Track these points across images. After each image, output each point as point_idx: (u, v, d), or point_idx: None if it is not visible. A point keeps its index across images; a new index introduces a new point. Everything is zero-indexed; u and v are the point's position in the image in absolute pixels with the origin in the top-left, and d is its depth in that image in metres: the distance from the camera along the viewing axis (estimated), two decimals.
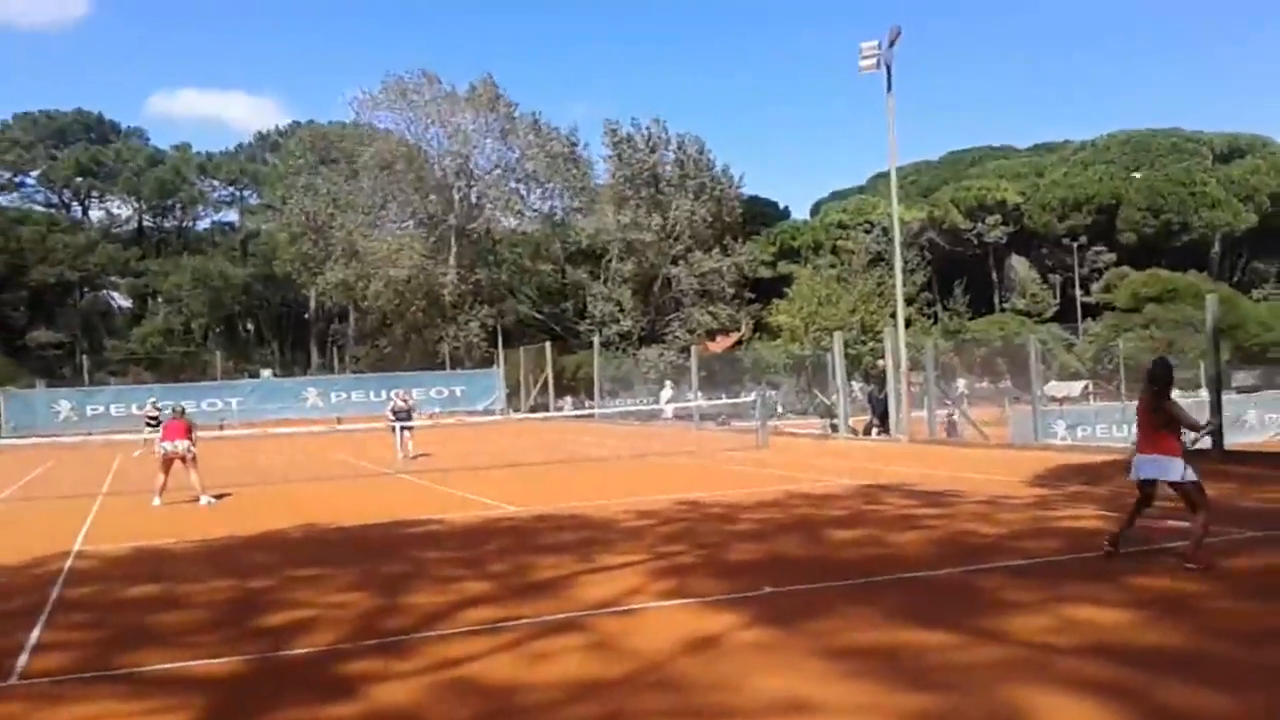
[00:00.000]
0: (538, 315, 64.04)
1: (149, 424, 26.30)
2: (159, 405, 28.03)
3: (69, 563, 9.91)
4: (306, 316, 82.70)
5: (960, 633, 5.92)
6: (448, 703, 5.00)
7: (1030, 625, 6.06)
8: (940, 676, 5.10)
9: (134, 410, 39.09)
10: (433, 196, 59.43)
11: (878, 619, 6.38)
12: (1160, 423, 7.94)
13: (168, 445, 15.30)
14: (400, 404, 23.47)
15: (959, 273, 76.32)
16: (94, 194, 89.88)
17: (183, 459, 15.24)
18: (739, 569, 8.32)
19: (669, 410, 34.97)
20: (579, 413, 39.36)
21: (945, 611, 6.49)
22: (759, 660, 5.54)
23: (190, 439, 15.41)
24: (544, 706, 4.88)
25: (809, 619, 6.40)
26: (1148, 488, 8.10)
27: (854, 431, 26.58)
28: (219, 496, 15.43)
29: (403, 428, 22.89)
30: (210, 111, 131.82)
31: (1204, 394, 23.07)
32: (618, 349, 55.93)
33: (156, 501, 14.77)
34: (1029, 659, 5.38)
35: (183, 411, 16.55)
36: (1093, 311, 70.66)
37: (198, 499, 14.97)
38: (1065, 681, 4.94)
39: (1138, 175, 77.82)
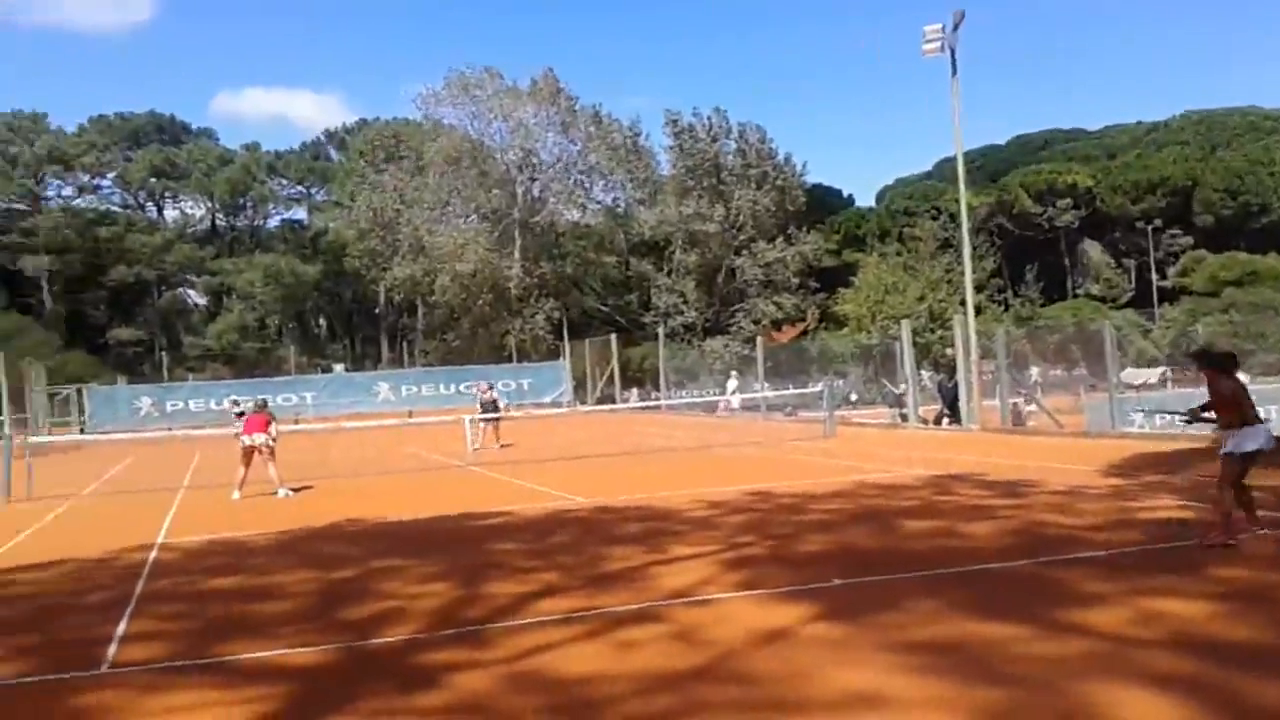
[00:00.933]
0: (602, 307, 64.24)
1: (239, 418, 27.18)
2: (236, 401, 28.74)
3: (153, 555, 10.22)
4: (376, 311, 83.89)
5: (1035, 626, 5.84)
6: (526, 693, 5.09)
7: (1108, 618, 5.95)
8: (1015, 670, 5.04)
9: (212, 405, 40.21)
10: (496, 191, 59.92)
11: (950, 612, 6.33)
12: None
13: (247, 439, 15.67)
14: (485, 397, 24.54)
15: (1029, 258, 75.03)
16: (168, 194, 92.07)
17: (260, 451, 15.61)
18: (809, 560, 8.31)
19: (735, 401, 34.91)
20: (645, 404, 39.46)
21: (1019, 604, 6.41)
22: (831, 653, 5.54)
23: (269, 433, 15.76)
24: (621, 697, 4.94)
25: (880, 611, 6.37)
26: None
27: (924, 421, 26.30)
28: (296, 489, 15.76)
29: (486, 419, 23.76)
30: (276, 109, 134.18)
31: None
32: (682, 340, 55.93)
33: (236, 495, 15.14)
34: (1107, 653, 5.29)
35: (264, 404, 16.89)
36: (1169, 296, 69.08)
37: (275, 491, 15.32)
38: (1145, 676, 4.85)
39: (1215, 156, 75.71)
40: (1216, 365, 8.44)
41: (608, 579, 7.89)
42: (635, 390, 46.92)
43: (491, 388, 26.22)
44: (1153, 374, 45.43)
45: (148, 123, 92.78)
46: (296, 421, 34.49)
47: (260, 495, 15.12)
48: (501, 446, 23.48)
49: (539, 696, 5.02)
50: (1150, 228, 71.58)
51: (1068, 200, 76.50)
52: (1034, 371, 40.35)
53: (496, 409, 24.60)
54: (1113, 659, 5.18)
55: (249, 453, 15.64)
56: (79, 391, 40.78)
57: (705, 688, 5.03)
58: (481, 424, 23.92)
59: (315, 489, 16.36)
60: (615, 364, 43.23)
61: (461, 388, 42.64)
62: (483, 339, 61.22)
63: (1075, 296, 75.62)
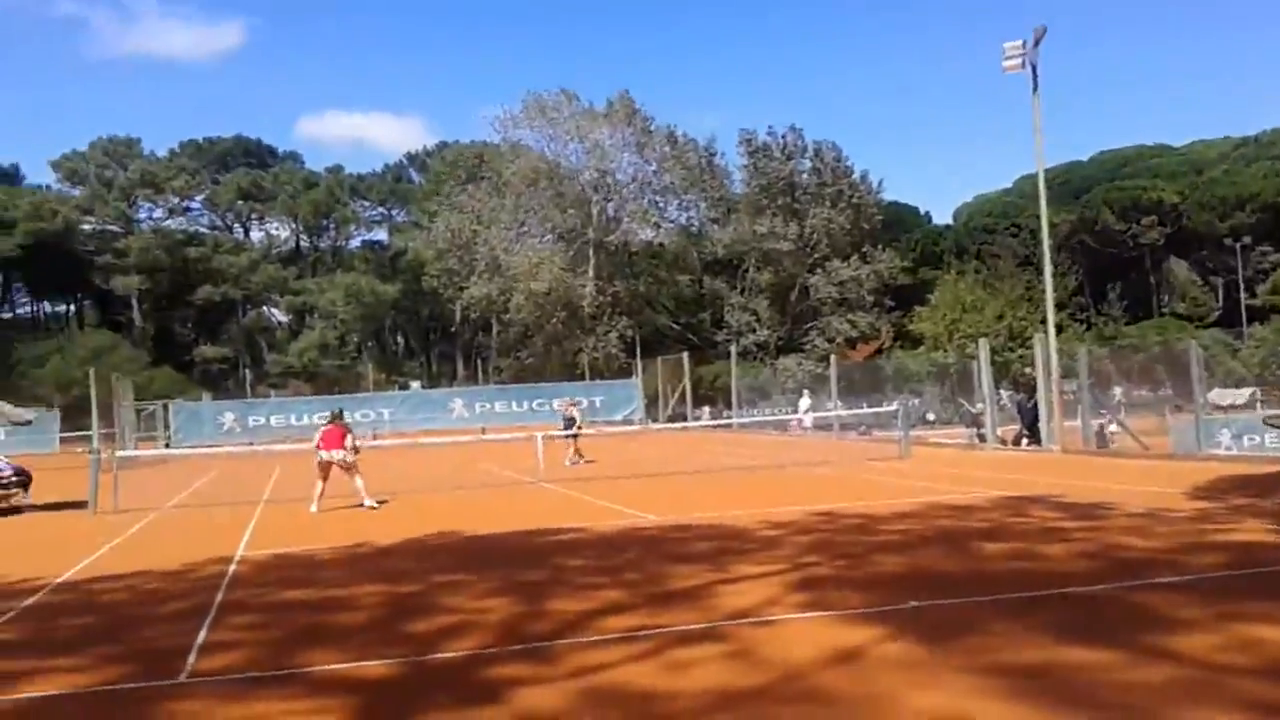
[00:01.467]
0: (675, 326, 64.29)
1: None
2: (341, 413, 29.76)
3: (232, 567, 10.41)
4: (452, 330, 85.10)
5: (1121, 650, 5.63)
6: (590, 710, 5.04)
7: (1199, 644, 5.72)
8: (1103, 696, 4.86)
9: (292, 421, 41.05)
10: (571, 211, 60.44)
11: (1031, 635, 6.14)
12: None
13: (325, 454, 15.92)
14: (568, 412, 25.35)
15: (1113, 276, 73.49)
16: (254, 216, 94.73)
17: (341, 466, 15.82)
18: (881, 581, 8.16)
19: (808, 420, 34.62)
20: (717, 423, 39.33)
21: (1104, 628, 6.20)
22: (907, 675, 5.40)
23: (346, 446, 15.97)
24: (687, 714, 4.88)
25: (958, 634, 6.20)
26: None
27: (1002, 442, 25.80)
28: (381, 502, 15.94)
29: (568, 435, 24.44)
30: (356, 132, 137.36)
31: None
32: (755, 359, 55.69)
33: (314, 508, 15.37)
34: (1199, 679, 5.09)
35: (339, 415, 16.98)
36: (1259, 315, 66.97)
37: (361, 503, 15.49)
38: (1240, 703, 4.65)
39: None
40: None
41: (674, 597, 7.83)
42: (707, 409, 46.80)
43: (576, 404, 26.87)
44: (1241, 394, 44.05)
45: (235, 146, 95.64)
46: (375, 437, 35.04)
47: (337, 509, 15.35)
48: (586, 462, 23.92)
49: (602, 713, 4.98)
50: (1239, 245, 69.53)
51: (1153, 217, 74.75)
52: (1117, 392, 39.34)
53: (573, 425, 25.00)
54: (1203, 685, 4.98)
55: (326, 467, 15.88)
56: (165, 407, 41.94)
57: (776, 708, 4.94)
58: (562, 439, 24.65)
59: (391, 504, 16.56)
60: (687, 382, 43.17)
61: (534, 405, 43.01)
62: (556, 357, 61.67)
63: (1161, 315, 73.81)
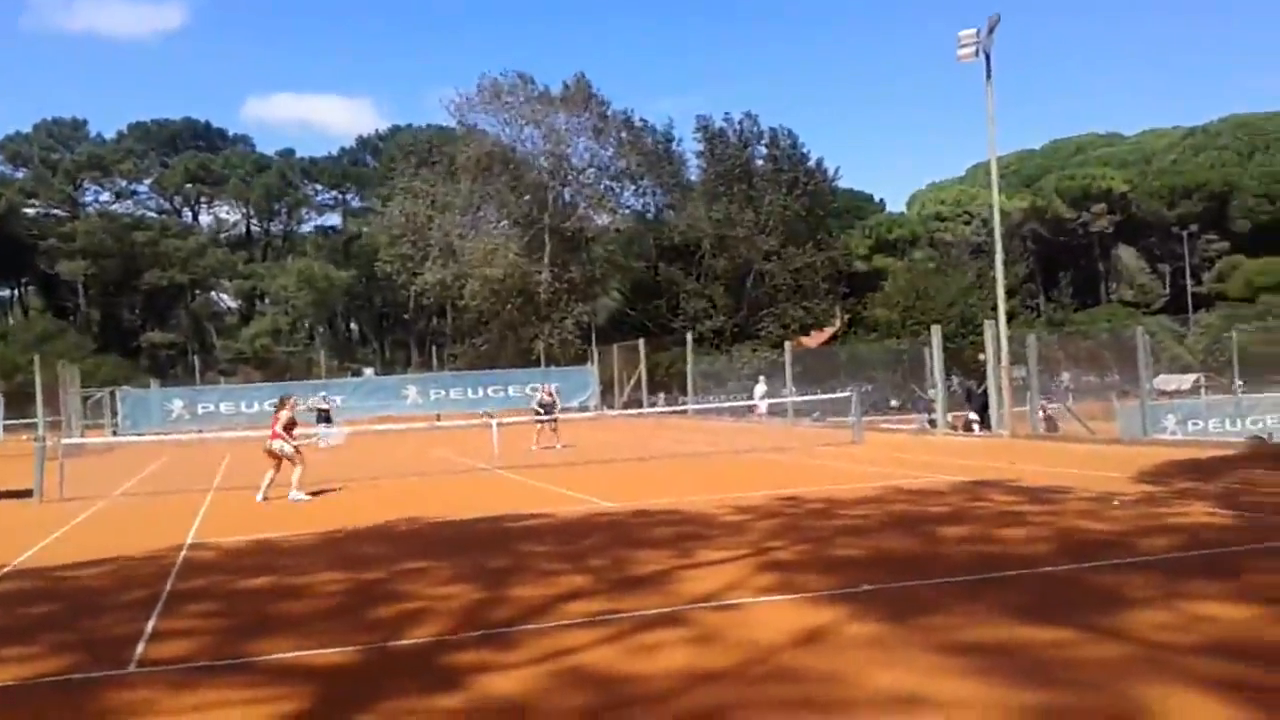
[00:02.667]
0: (631, 312, 64.26)
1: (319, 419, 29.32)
2: (329, 399, 30.26)
3: (182, 555, 10.26)
4: (406, 316, 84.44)
5: (1076, 629, 5.76)
6: (555, 693, 5.04)
7: (1149, 622, 5.87)
8: (1058, 673, 4.97)
9: (243, 408, 40.54)
10: (527, 196, 60.10)
11: (989, 615, 6.25)
12: None
13: (270, 443, 15.65)
14: (545, 398, 25.38)
15: (1063, 264, 74.57)
16: (203, 199, 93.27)
17: (280, 455, 15.54)
18: (841, 564, 8.23)
19: (763, 406, 34.77)
20: (672, 409, 39.40)
21: (1059, 608, 6.33)
22: (870, 655, 5.47)
23: (278, 431, 15.62)
24: (655, 696, 4.89)
25: (919, 615, 6.29)
26: None
27: (953, 427, 26.11)
28: (315, 493, 15.59)
29: (545, 420, 24.56)
30: (305, 114, 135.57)
31: None
32: (711, 345, 55.83)
33: (259, 497, 15.10)
34: (1149, 656, 5.21)
35: (281, 403, 16.63)
36: (1204, 302, 68.31)
37: (287, 495, 15.16)
38: (1189, 679, 4.77)
39: (1254, 160, 74.73)
40: None
41: (637, 582, 7.85)
42: (663, 395, 46.87)
43: (552, 392, 26.79)
44: (1186, 380, 44.94)
45: (184, 129, 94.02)
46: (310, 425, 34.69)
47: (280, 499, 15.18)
48: (562, 447, 23.98)
49: (567, 696, 4.98)
50: (1186, 233, 70.85)
51: (1103, 205, 75.92)
52: (1066, 377, 39.98)
53: (552, 410, 25.29)
54: (1156, 662, 5.10)
55: (274, 455, 15.61)
56: (112, 394, 41.22)
57: (743, 687, 4.98)
58: (539, 424, 24.74)
59: (345, 490, 16.41)
60: (643, 368, 43.21)
61: (490, 391, 42.83)
62: (511, 343, 61.38)
63: (1109, 302, 75.02)
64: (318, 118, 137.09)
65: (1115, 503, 10.95)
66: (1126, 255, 78.15)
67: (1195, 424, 29.44)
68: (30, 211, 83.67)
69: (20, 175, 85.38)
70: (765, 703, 4.76)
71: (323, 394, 33.47)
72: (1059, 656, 5.27)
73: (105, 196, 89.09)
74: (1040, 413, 25.80)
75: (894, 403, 38.71)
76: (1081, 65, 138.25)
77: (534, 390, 29.42)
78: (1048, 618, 6.06)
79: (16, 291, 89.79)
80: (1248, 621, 5.90)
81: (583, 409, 41.96)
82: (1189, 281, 70.76)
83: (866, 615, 6.35)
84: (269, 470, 15.61)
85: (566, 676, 5.32)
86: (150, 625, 7.05)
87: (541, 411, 25.17)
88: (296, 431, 16.24)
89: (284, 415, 16.07)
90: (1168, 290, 75.06)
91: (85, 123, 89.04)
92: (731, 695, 4.87)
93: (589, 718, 4.70)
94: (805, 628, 6.09)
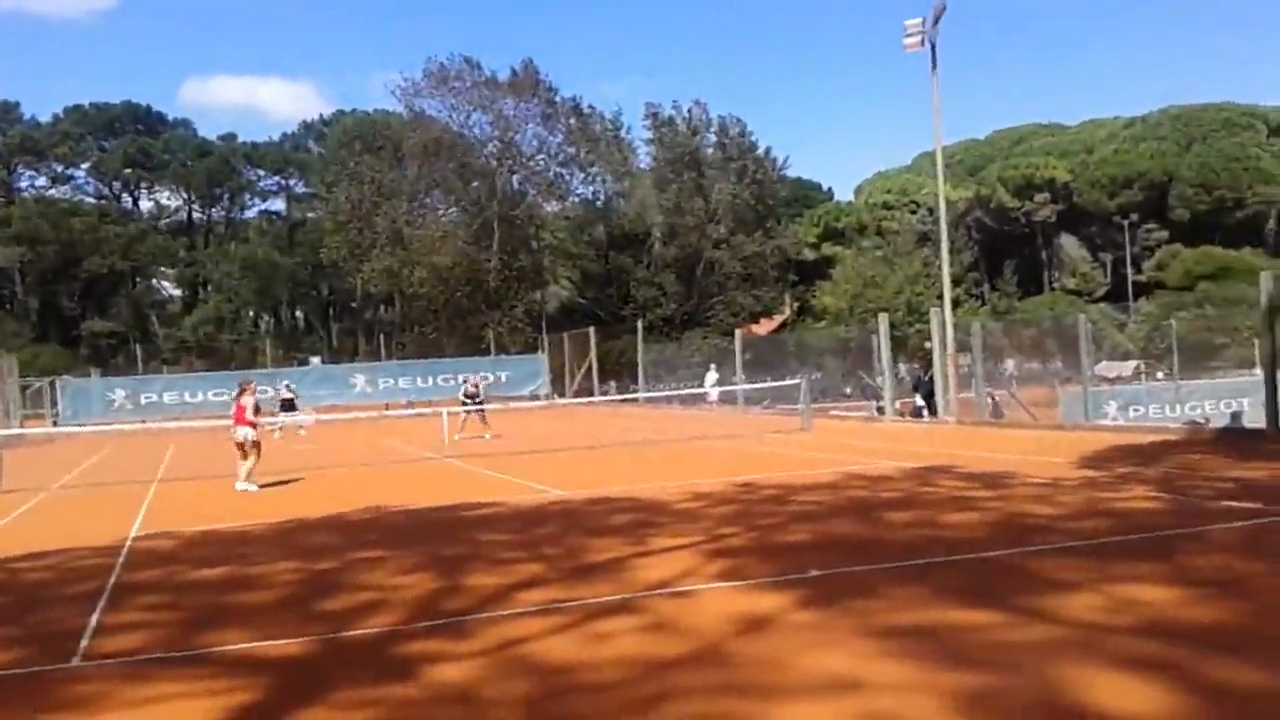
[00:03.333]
0: (581, 300, 64.23)
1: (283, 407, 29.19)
2: (291, 388, 30.23)
3: (127, 547, 10.15)
4: (354, 304, 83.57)
5: (1009, 612, 5.92)
6: (504, 681, 5.09)
7: (1080, 605, 6.03)
8: (988, 655, 5.11)
9: (186, 398, 39.95)
10: (475, 183, 59.73)
11: (927, 599, 6.39)
12: None
13: (234, 430, 15.35)
14: (471, 389, 25.41)
15: (1007, 252, 75.59)
16: (143, 185, 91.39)
17: (241, 443, 15.31)
18: (788, 550, 8.35)
19: (714, 394, 34.94)
20: (623, 397, 39.47)
21: (995, 592, 6.49)
22: (808, 639, 5.59)
23: (250, 421, 15.36)
24: (599, 685, 4.96)
25: (858, 599, 6.42)
26: None
27: (900, 414, 26.43)
28: (263, 486, 15.34)
29: (473, 410, 24.58)
30: (245, 97, 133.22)
31: (1259, 373, 22.62)
32: (661, 333, 55.95)
33: (239, 486, 14.85)
34: (1079, 638, 5.37)
35: (242, 390, 16.21)
36: (1145, 290, 69.67)
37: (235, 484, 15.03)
38: (1115, 660, 4.92)
39: (1191, 151, 76.29)
40: None
41: (590, 570, 7.91)
42: (613, 383, 46.90)
43: (478, 383, 26.64)
44: (1127, 367, 45.83)
45: (123, 113, 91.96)
46: (274, 414, 34.32)
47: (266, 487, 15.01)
48: (491, 437, 23.76)
49: (517, 685, 5.03)
50: (1126, 222, 72.14)
51: (1045, 195, 77.04)
52: (1010, 364, 40.61)
53: (479, 401, 25.24)
54: (1085, 643, 5.25)
55: (240, 444, 15.26)
56: (52, 384, 40.37)
57: (684, 674, 5.06)
58: (465, 414, 24.51)
59: (292, 479, 16.26)
60: (593, 357, 43.22)
61: (439, 380, 42.56)
62: (460, 332, 61.00)
63: (1052, 290, 76.25)
64: (258, 101, 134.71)
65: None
66: (1069, 244, 79.43)
67: (1136, 410, 30.10)
68: None
69: None
70: (705, 689, 4.84)
71: (285, 382, 33.22)
72: (992, 639, 5.42)
73: (41, 181, 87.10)
74: (989, 399, 26.24)
75: (847, 390, 39.10)
76: (1025, 56, 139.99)
77: (485, 379, 29.35)
78: (984, 601, 6.21)
79: None
80: (1176, 603, 6.07)
81: (533, 398, 41.90)
82: (1130, 270, 72.07)
83: (808, 600, 6.47)
84: (241, 459, 15.22)
85: (515, 665, 5.37)
86: (95, 618, 6.99)
87: (467, 401, 25.15)
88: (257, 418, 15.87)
89: (249, 400, 15.66)
90: (1109, 279, 76.39)
91: (18, 105, 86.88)
92: (671, 683, 4.94)
93: (532, 706, 4.75)
94: (749, 614, 6.20)
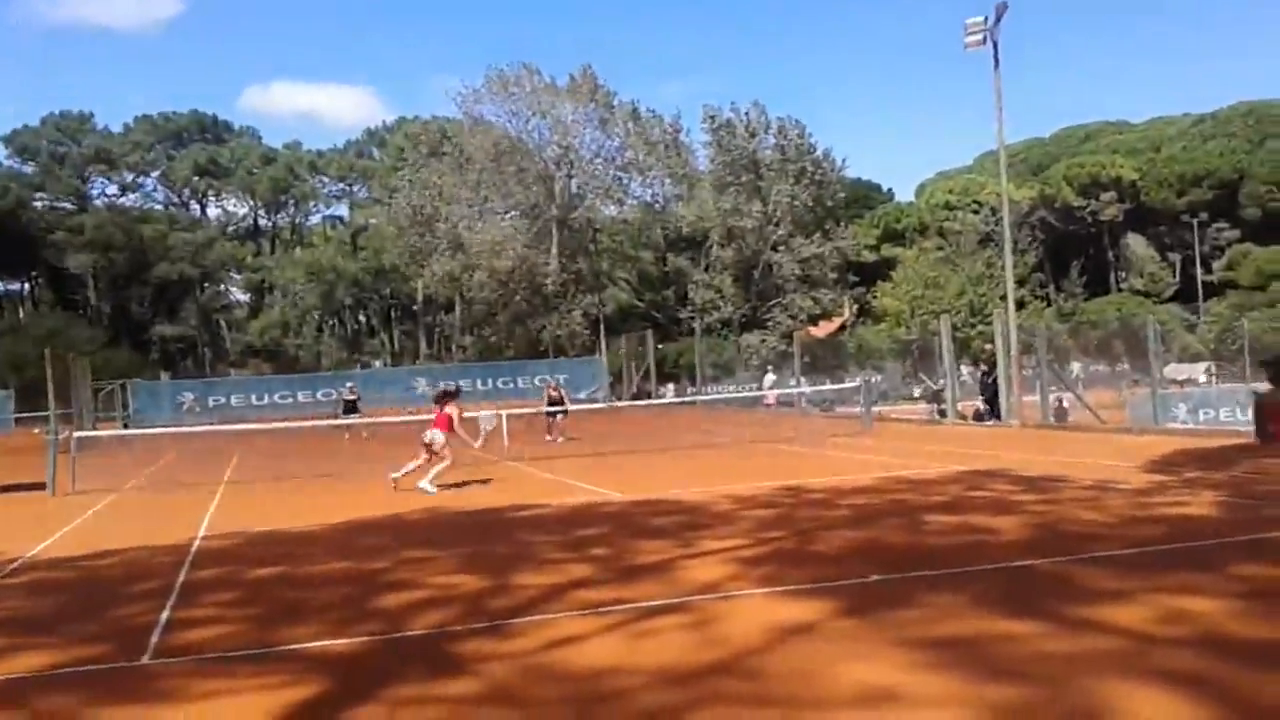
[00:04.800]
0: (639, 303, 64.37)
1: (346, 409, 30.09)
2: (355, 389, 30.97)
3: (195, 547, 10.41)
4: (415, 308, 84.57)
5: (1054, 623, 5.83)
6: (547, 683, 5.18)
7: (1129, 616, 5.91)
8: (1031, 667, 5.03)
9: (253, 400, 40.81)
10: (534, 187, 60.18)
11: (970, 608, 6.33)
12: None
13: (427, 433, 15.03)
14: (554, 393, 26.20)
15: (1072, 253, 74.33)
16: (211, 192, 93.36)
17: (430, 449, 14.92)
18: (835, 556, 8.34)
19: (771, 396, 34.85)
20: (681, 400, 39.51)
21: (1040, 601, 6.40)
22: (847, 649, 5.56)
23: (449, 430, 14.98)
24: (634, 690, 5.00)
25: (900, 607, 6.38)
26: None
27: (962, 417, 26.14)
28: (443, 487, 14.91)
29: (553, 414, 25.41)
30: (305, 104, 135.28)
31: None
32: (719, 335, 55.91)
33: (424, 485, 14.51)
34: (1125, 650, 5.28)
35: (445, 394, 15.81)
36: (1215, 291, 68.08)
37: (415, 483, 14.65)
38: (1162, 674, 4.83)
39: (1264, 147, 74.30)
40: None
41: (637, 572, 7.97)
42: (671, 386, 46.98)
43: (559, 386, 27.81)
44: (1197, 369, 44.87)
45: (191, 122, 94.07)
46: (336, 416, 34.94)
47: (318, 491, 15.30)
48: (564, 441, 24.37)
49: (561, 686, 5.12)
50: (1196, 221, 70.59)
51: (1112, 194, 75.58)
52: (1076, 367, 39.99)
53: (561, 404, 26.07)
54: (1131, 657, 5.17)
55: (428, 446, 14.90)
56: (123, 387, 41.43)
57: (720, 682, 5.09)
58: (550, 418, 25.48)
59: (351, 481, 16.53)
60: (651, 359, 43.31)
61: (498, 383, 42.99)
62: (519, 335, 61.55)
63: (1119, 291, 74.80)
64: (318, 107, 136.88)
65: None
66: (1136, 244, 77.86)
67: (1206, 413, 29.45)
68: (38, 205, 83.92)
69: (28, 169, 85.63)
70: (745, 697, 4.87)
71: (349, 384, 33.88)
72: (1033, 650, 5.33)
73: (112, 189, 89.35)
74: (1057, 401, 25.88)
75: (916, 392, 38.79)
76: (1090, 53, 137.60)
77: (542, 382, 29.75)
78: (1027, 610, 6.12)
79: (26, 285, 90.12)
80: (1229, 616, 5.92)
81: (591, 400, 42.10)
82: (1199, 270, 70.51)
83: (850, 608, 6.44)
84: (423, 458, 14.92)
85: (558, 667, 5.46)
86: (165, 615, 7.21)
87: (550, 407, 25.90)
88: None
89: (453, 410, 15.19)
90: (1178, 279, 74.78)
91: (92, 116, 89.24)
92: (706, 689, 4.97)
93: (577, 707, 4.82)
94: (791, 620, 6.20)
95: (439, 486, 14.49)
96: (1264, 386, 18.16)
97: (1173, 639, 5.47)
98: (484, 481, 15.70)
